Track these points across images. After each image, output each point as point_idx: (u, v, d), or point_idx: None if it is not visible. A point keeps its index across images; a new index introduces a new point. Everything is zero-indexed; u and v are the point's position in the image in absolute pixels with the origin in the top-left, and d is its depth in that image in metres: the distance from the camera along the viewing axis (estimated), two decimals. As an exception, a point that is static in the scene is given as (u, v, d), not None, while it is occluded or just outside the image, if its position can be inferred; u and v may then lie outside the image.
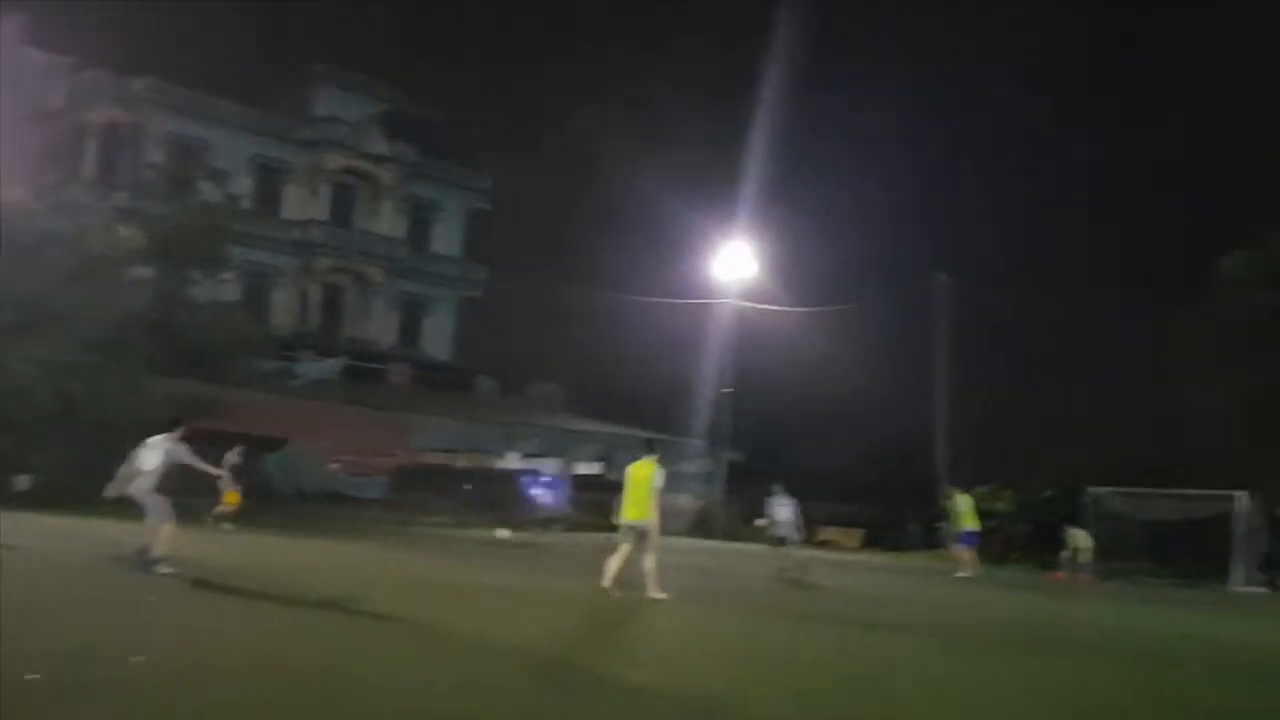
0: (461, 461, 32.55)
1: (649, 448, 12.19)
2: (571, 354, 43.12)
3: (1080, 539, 25.57)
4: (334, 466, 29.61)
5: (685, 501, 34.58)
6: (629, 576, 11.17)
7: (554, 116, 61.83)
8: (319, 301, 41.30)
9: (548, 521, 25.15)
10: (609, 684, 6.36)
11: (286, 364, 33.70)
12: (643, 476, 11.48)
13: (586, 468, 34.23)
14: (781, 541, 17.72)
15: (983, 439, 36.22)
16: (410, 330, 43.92)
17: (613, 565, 11.24)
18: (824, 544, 33.78)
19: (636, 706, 5.87)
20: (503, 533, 24.92)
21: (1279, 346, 29.10)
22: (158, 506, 10.60)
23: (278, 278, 40.17)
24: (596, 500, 33.99)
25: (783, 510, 17.94)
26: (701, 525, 32.58)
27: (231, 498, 18.78)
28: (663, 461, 12.05)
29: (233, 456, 18.90)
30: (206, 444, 11.72)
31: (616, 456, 35.26)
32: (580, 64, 60.90)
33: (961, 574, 21.22)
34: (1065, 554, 25.91)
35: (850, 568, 23.42)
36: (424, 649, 7.30)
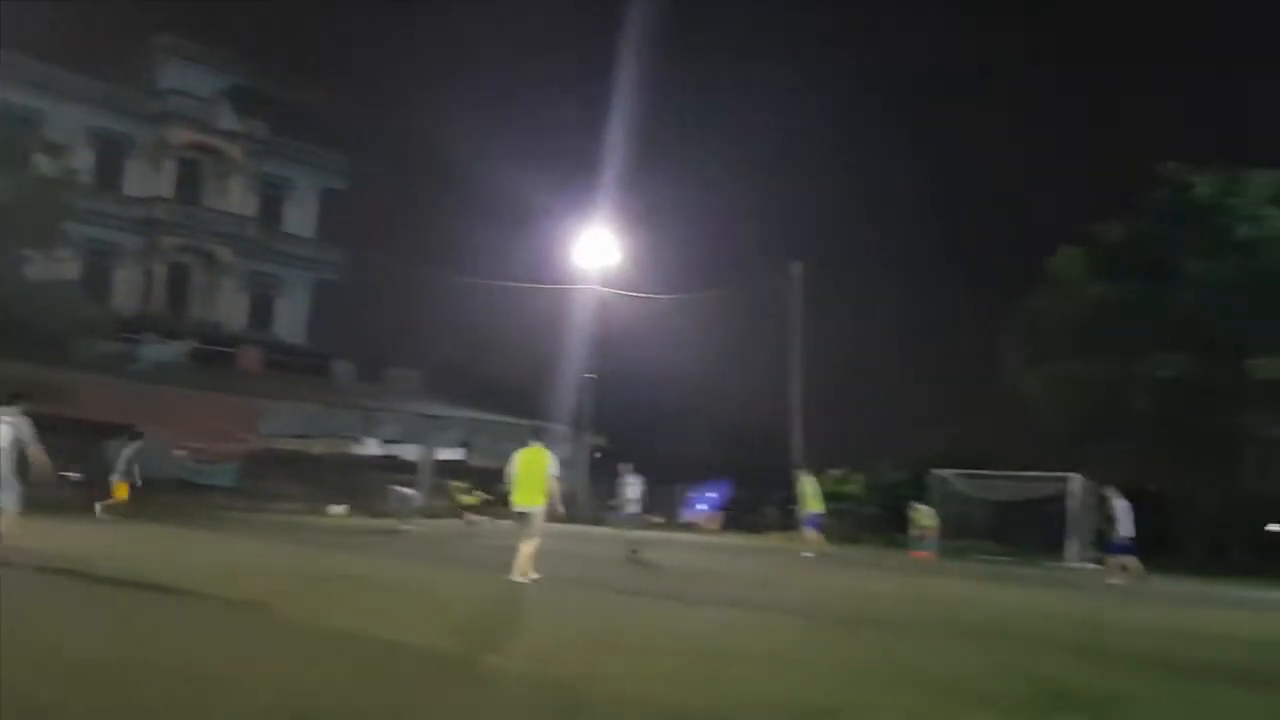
0: (317, 448, 31.75)
1: (536, 434, 12.23)
2: (432, 338, 42.60)
3: (925, 516, 26.75)
4: (180, 453, 28.50)
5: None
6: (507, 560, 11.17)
7: (414, 99, 60.70)
8: (164, 281, 39.59)
9: (405, 508, 24.75)
10: (466, 669, 6.34)
11: (129, 347, 32.28)
12: (537, 463, 11.61)
13: (448, 453, 33.83)
14: (631, 520, 18.03)
15: (837, 424, 37.39)
16: (261, 312, 42.50)
17: (524, 554, 11.35)
18: (685, 527, 34.37)
19: (493, 691, 5.87)
20: (336, 509, 24.73)
21: (1104, 338, 31.00)
22: (11, 488, 10.08)
23: (120, 256, 38.35)
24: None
25: (631, 490, 18.21)
26: (566, 510, 32.67)
27: (121, 490, 18.88)
28: (550, 448, 12.11)
29: (128, 451, 19.21)
30: (49, 431, 11.02)
31: (478, 442, 34.98)
32: (446, 48, 59.93)
33: (807, 554, 21.92)
34: (914, 531, 27.07)
35: (707, 549, 23.87)
36: (271, 640, 7.13)
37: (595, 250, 36.23)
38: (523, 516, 11.56)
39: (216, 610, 8.36)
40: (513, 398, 35.31)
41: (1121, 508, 19.80)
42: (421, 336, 43.41)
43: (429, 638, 7.34)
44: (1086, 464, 28.81)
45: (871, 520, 33.35)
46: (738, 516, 35.87)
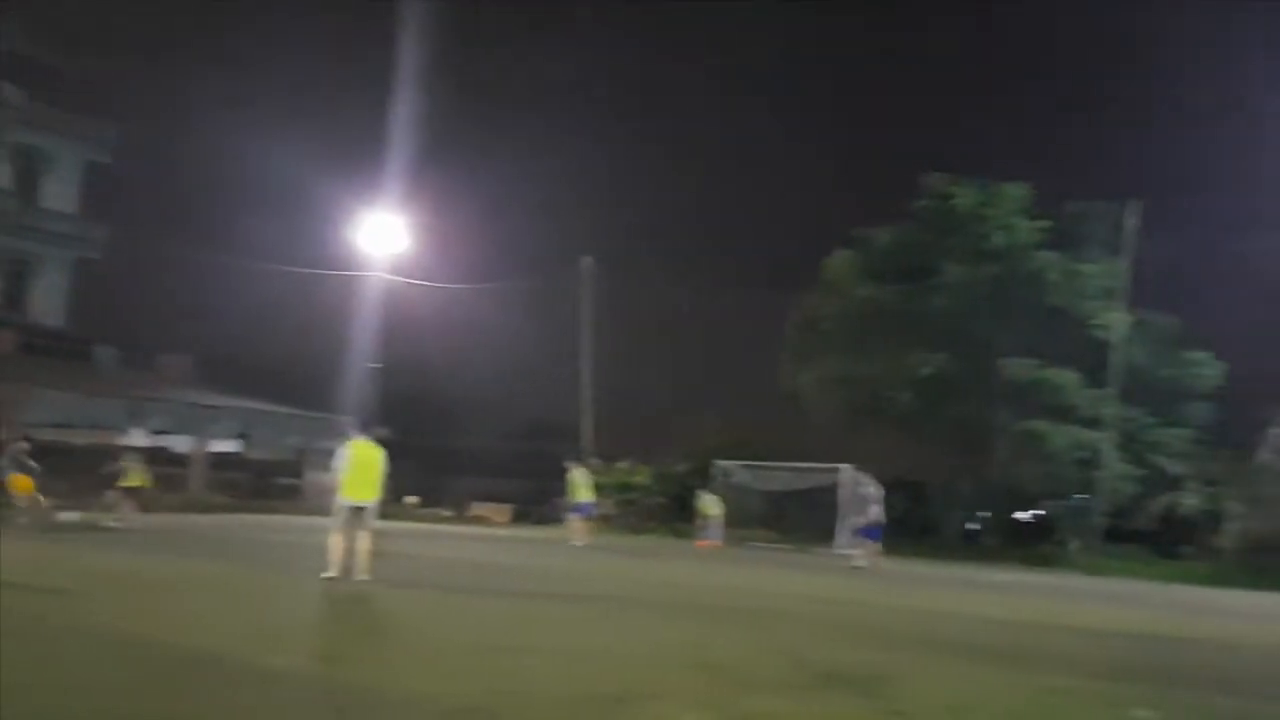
0: (78, 439, 29.57)
1: (365, 428, 11.74)
2: (207, 324, 40.45)
3: (710, 505, 27.65)
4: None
5: (331, 480, 33.54)
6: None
7: (194, 69, 57.26)
8: (-102, 258, 35.83)
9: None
10: (245, 671, 6.12)
11: None
12: (371, 457, 11.33)
13: (223, 445, 32.27)
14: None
15: (626, 416, 38.05)
16: (15, 293, 39.00)
17: (335, 551, 10.99)
18: (475, 520, 34.13)
19: (275, 693, 5.71)
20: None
21: (871, 337, 32.98)
22: None
23: None
24: (233, 480, 32.17)
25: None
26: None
27: (25, 484, 18.48)
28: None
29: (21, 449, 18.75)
30: None
31: (257, 434, 33.51)
32: (231, 18, 56.87)
33: (576, 543, 22.28)
34: (698, 521, 27.93)
35: (496, 542, 23.83)
36: (35, 644, 6.66)
37: (382, 237, 35.31)
38: (357, 512, 11.21)
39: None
40: (294, 387, 34.01)
41: (871, 494, 21.20)
42: (195, 322, 41.15)
43: (205, 638, 7.04)
44: (856, 455, 30.54)
45: (658, 510, 34.15)
46: (527, 509, 35.93)
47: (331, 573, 10.94)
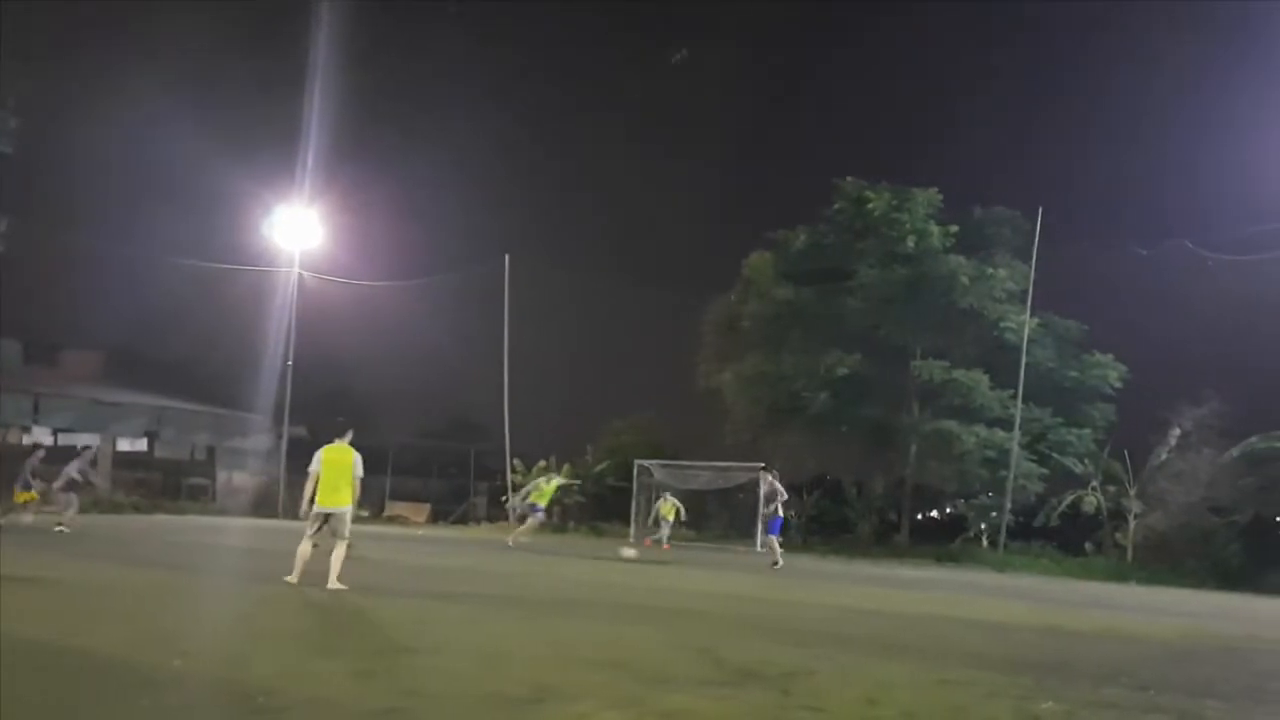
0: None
1: (342, 431, 11.37)
2: (114, 319, 39.15)
3: (670, 510, 27.96)
4: None
5: (244, 479, 32.86)
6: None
7: (100, 56, 55.45)
8: None
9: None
10: (149, 677, 5.99)
11: None
12: (344, 461, 11.00)
13: (130, 444, 31.38)
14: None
15: (542, 416, 37.92)
16: (-95, 285, 37.43)
17: (301, 556, 10.82)
18: (392, 519, 33.75)
19: (178, 698, 5.59)
20: None
21: (788, 338, 33.43)
22: None
23: None
24: (141, 479, 31.31)
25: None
26: (263, 504, 31.17)
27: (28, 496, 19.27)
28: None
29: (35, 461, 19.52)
30: None
31: (165, 432, 32.65)
32: (131, 14, 55.15)
33: (519, 541, 22.60)
34: (650, 522, 28.33)
35: (411, 541, 23.61)
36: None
37: (296, 232, 34.64)
38: (329, 519, 10.94)
39: None
40: (205, 384, 33.22)
41: (768, 492, 21.68)
42: (102, 317, 39.79)
43: (105, 643, 6.87)
44: (773, 454, 30.94)
45: (578, 509, 34.17)
46: (446, 508, 35.65)
47: (292, 578, 10.71)
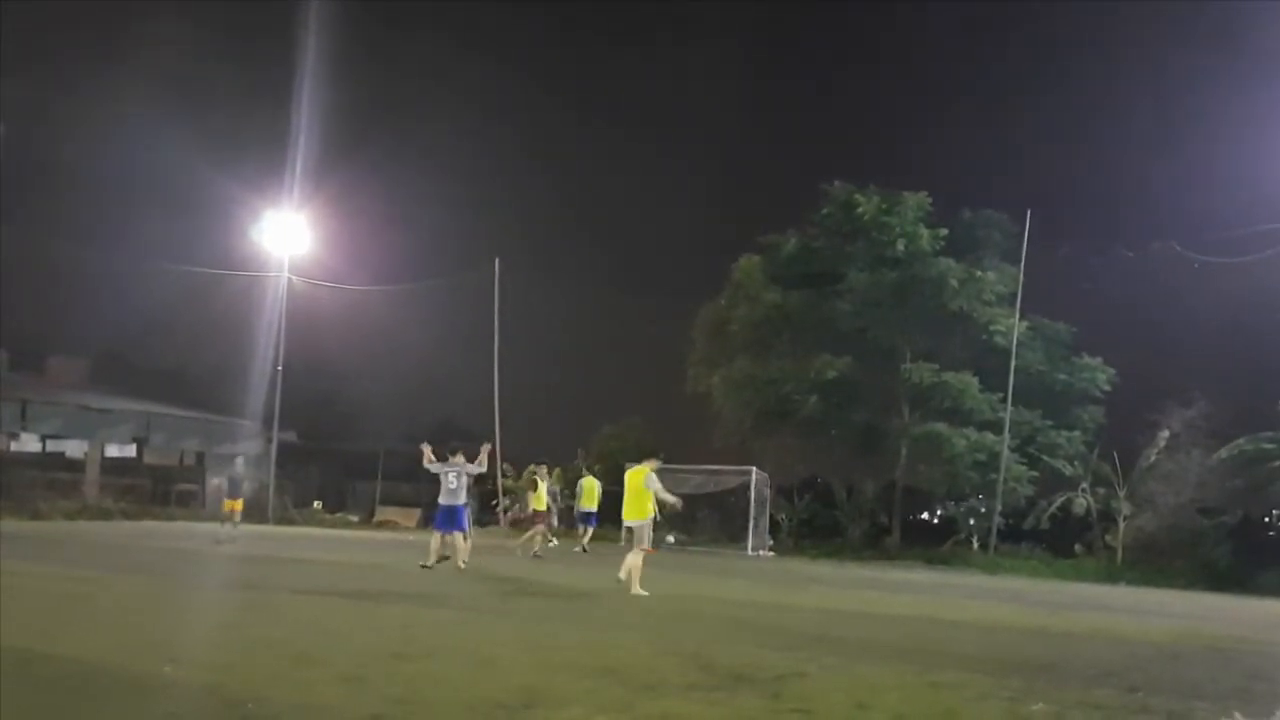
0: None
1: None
2: (102, 325, 39.00)
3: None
4: None
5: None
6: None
7: (85, 68, 55.33)
8: None
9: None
10: (137, 684, 5.96)
11: None
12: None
13: (119, 450, 31.24)
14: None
15: (532, 419, 37.90)
16: (-109, 291, 37.23)
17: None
18: (382, 524, 33.63)
19: (166, 705, 5.56)
20: None
21: (778, 341, 33.46)
22: None
23: None
24: (130, 485, 31.17)
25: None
26: (253, 510, 31.05)
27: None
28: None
29: None
30: None
31: (155, 438, 32.52)
32: (118, 21, 55.04)
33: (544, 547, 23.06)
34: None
35: (401, 546, 23.52)
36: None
37: (285, 237, 34.55)
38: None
39: None
40: (194, 390, 33.11)
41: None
42: (89, 323, 39.64)
43: (94, 650, 6.83)
44: (763, 458, 30.96)
45: (568, 513, 34.06)
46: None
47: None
